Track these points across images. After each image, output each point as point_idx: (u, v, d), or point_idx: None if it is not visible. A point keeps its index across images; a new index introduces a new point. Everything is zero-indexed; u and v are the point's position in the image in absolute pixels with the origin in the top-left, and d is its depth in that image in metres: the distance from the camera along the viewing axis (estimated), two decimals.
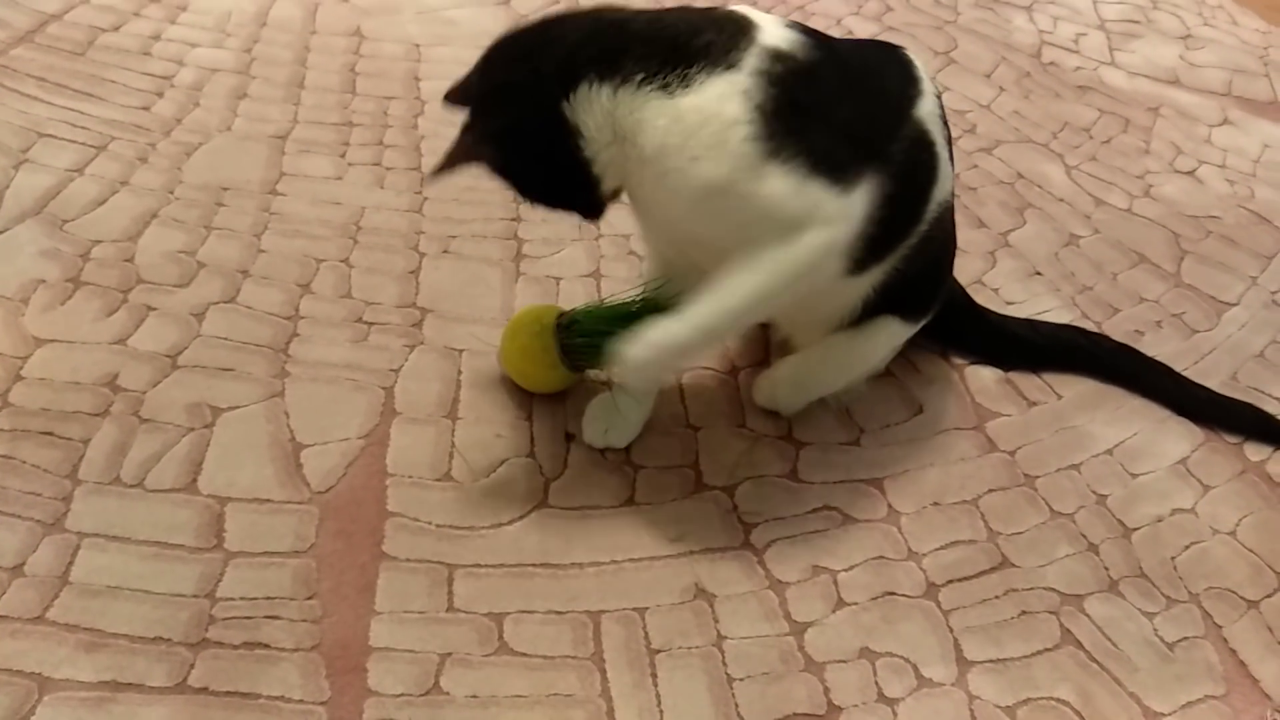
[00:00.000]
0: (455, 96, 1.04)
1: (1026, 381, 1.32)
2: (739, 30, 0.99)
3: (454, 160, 1.02)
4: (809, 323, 1.19)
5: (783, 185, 0.96)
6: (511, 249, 1.39)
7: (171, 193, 1.39)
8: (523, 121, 1.00)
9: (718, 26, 0.99)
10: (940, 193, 1.12)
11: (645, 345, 1.01)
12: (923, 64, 1.14)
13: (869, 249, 1.05)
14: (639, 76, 0.96)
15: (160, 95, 1.55)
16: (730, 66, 0.96)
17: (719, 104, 0.95)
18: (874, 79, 1.09)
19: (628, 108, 0.97)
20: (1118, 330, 1.39)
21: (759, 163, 0.95)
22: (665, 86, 0.96)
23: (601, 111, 0.98)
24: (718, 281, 1.00)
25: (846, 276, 1.08)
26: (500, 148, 1.02)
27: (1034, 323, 1.37)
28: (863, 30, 1.93)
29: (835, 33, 1.88)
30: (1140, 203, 1.62)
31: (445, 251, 1.38)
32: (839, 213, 0.99)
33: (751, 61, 0.96)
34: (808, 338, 1.21)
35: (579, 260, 1.39)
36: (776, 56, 0.98)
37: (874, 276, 1.12)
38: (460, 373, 1.23)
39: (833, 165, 0.98)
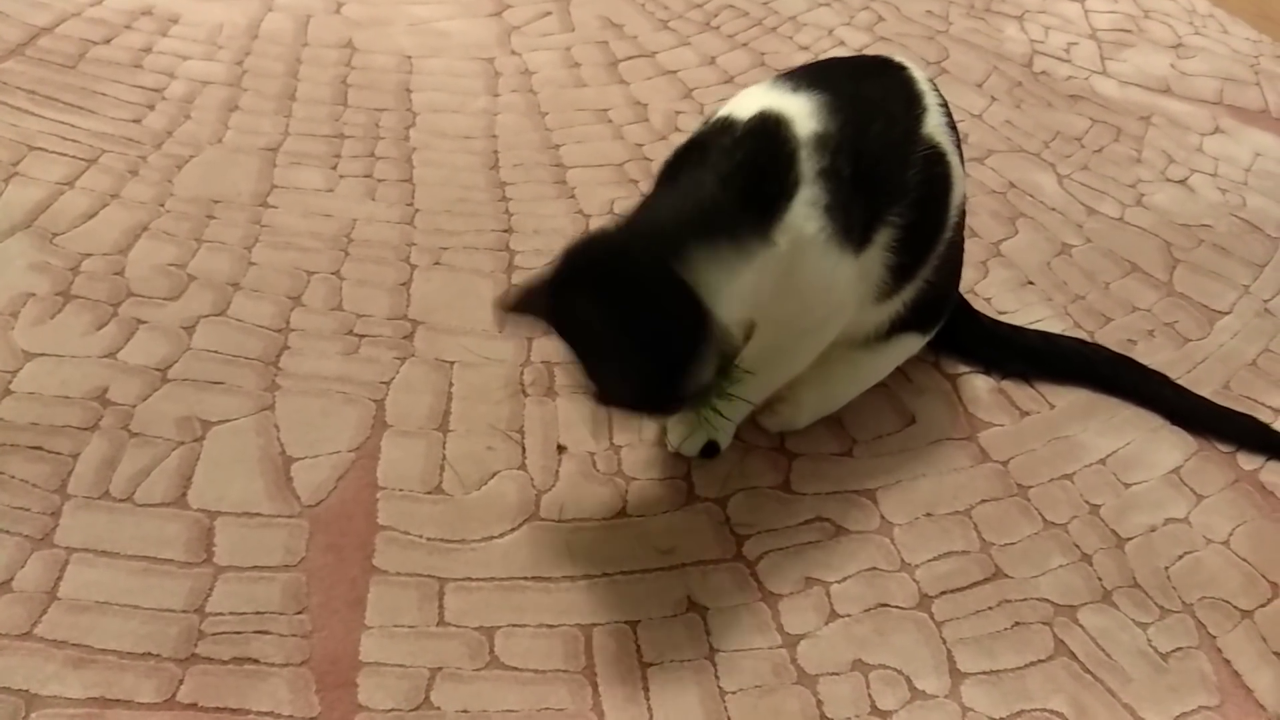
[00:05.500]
0: (520, 308, 1.00)
1: (1019, 391, 1.31)
2: (782, 140, 1.02)
3: (703, 375, 0.97)
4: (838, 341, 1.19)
5: (848, 267, 1.06)
6: (503, 260, 1.39)
7: (162, 206, 1.39)
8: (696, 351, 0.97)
9: (767, 150, 1.02)
10: (957, 196, 1.16)
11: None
12: (921, 74, 1.15)
13: (900, 275, 1.12)
14: (755, 250, 0.99)
15: (151, 108, 1.55)
16: (796, 185, 1.01)
17: (803, 226, 1.01)
18: (884, 112, 1.10)
19: (754, 277, 0.99)
20: (1110, 339, 1.39)
21: (831, 257, 1.04)
22: (771, 243, 1.00)
23: (737, 293, 0.99)
24: (772, 360, 1.14)
25: (880, 302, 1.14)
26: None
27: (1030, 330, 1.37)
28: (854, 40, 1.93)
29: (826, 43, 1.92)
30: (1132, 212, 1.62)
31: (437, 263, 1.38)
32: (856, 276, 1.09)
33: (808, 166, 1.02)
34: (828, 354, 1.19)
35: None
36: (819, 143, 1.03)
37: (907, 294, 1.16)
38: (451, 385, 1.22)
39: (855, 236, 1.06)
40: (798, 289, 1.05)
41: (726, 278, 0.96)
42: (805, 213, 1.01)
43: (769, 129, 1.03)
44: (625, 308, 0.94)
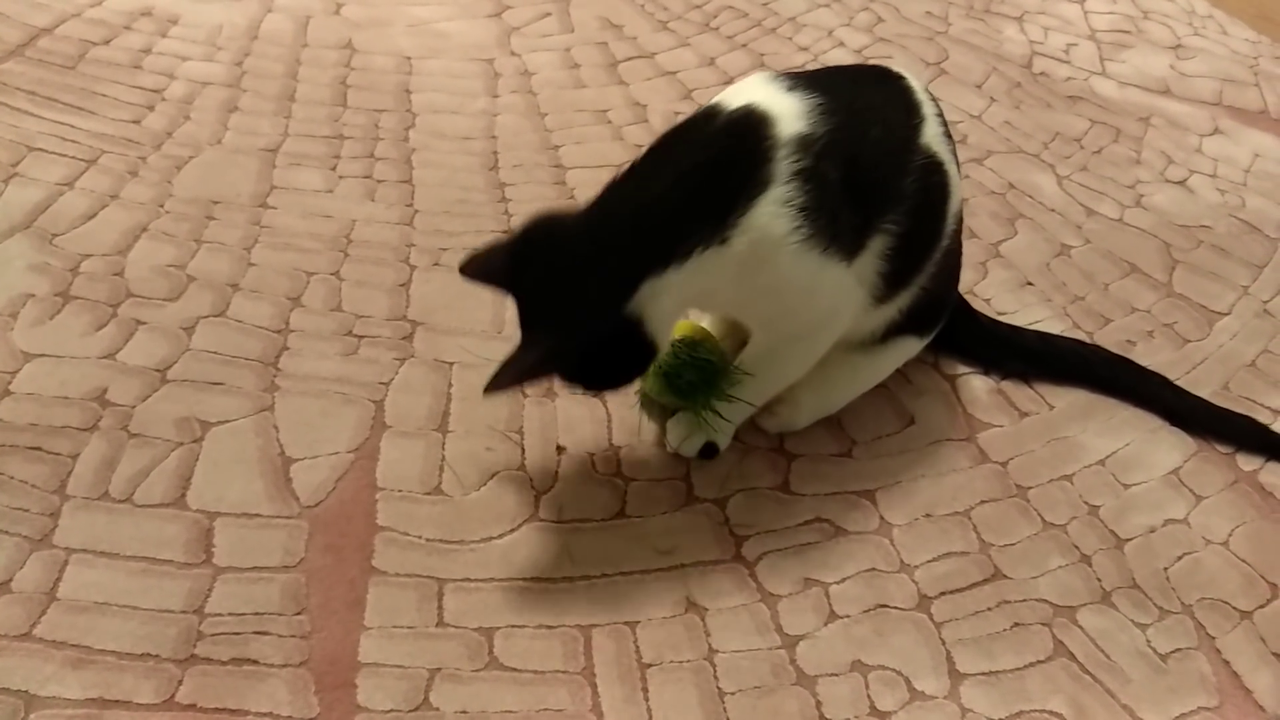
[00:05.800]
0: (476, 273, 1.06)
1: (1018, 392, 1.31)
2: (759, 139, 1.02)
3: (520, 379, 1.04)
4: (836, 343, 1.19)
5: (835, 273, 1.05)
6: None
7: (161, 206, 1.39)
8: (592, 335, 1.01)
9: (739, 147, 1.02)
10: (954, 205, 1.16)
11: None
12: (919, 84, 1.15)
13: (895, 280, 1.12)
14: (694, 249, 0.99)
15: (151, 109, 1.55)
16: (766, 184, 1.00)
17: (769, 226, 1.00)
18: (881, 120, 1.10)
19: (690, 277, 1.00)
20: (1109, 340, 1.39)
21: (812, 260, 1.03)
22: (722, 242, 1.00)
23: (665, 293, 1.00)
24: (770, 364, 1.14)
25: (875, 307, 1.14)
26: (571, 362, 1.03)
27: (1028, 330, 1.37)
28: (854, 41, 1.93)
29: (826, 44, 1.92)
30: (1131, 213, 1.62)
31: (436, 264, 1.38)
32: (850, 283, 1.09)
33: (782, 167, 1.01)
34: (826, 356, 1.19)
35: None
36: (801, 145, 1.02)
37: (902, 300, 1.16)
38: (451, 386, 1.23)
39: (845, 242, 1.05)
40: (773, 290, 1.05)
41: (662, 278, 0.99)
42: (773, 212, 1.00)
43: (748, 126, 1.03)
44: (553, 290, 1.01)
